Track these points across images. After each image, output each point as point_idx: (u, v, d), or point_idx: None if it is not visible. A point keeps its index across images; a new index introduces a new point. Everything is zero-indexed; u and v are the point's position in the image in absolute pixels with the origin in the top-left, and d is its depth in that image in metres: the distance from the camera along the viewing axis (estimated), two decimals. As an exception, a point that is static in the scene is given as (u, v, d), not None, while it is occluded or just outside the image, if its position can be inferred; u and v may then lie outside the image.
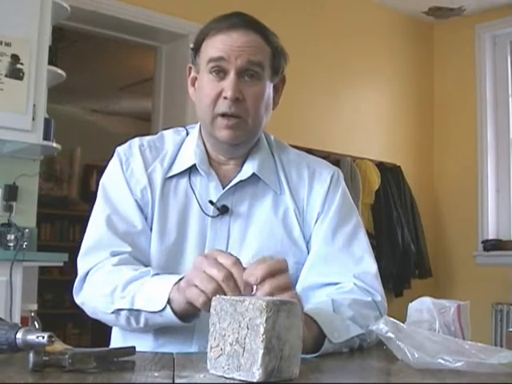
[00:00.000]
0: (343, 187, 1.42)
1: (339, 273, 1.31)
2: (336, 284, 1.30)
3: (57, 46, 3.70)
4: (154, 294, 1.15)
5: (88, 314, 1.31)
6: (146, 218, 1.32)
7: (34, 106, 3.26)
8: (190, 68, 1.38)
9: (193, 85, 1.38)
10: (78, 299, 1.30)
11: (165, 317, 1.14)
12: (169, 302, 1.12)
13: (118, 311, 1.20)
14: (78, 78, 5.68)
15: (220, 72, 1.28)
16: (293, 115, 4.56)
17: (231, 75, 1.27)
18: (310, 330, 1.10)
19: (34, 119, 3.25)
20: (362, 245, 1.37)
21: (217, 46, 1.28)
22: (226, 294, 0.98)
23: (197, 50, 1.34)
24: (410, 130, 5.34)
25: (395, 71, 5.28)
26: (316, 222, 1.36)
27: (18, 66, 3.24)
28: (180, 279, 1.12)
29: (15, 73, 3.23)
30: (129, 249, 1.28)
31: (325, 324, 1.14)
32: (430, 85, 5.51)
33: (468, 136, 5.22)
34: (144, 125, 6.34)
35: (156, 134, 1.44)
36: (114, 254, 1.27)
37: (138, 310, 1.17)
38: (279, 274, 1.01)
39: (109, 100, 7.62)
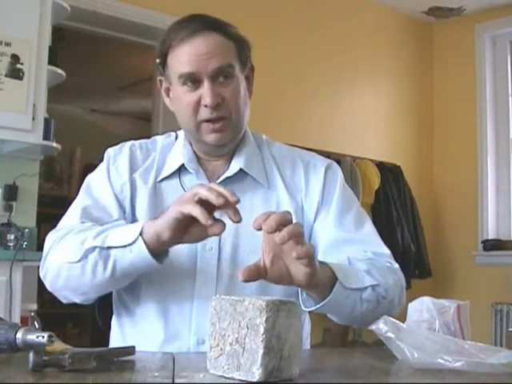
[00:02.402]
0: (341, 178, 1.44)
1: (353, 253, 1.32)
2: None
3: (57, 46, 3.70)
4: (126, 230, 1.17)
5: (48, 285, 1.28)
6: (124, 212, 1.34)
7: (34, 105, 3.26)
8: (161, 80, 1.40)
9: (167, 95, 1.40)
10: (42, 271, 1.28)
11: (135, 252, 1.14)
12: (141, 234, 1.13)
13: (85, 256, 1.19)
14: (78, 78, 5.67)
15: (193, 82, 1.30)
16: (293, 115, 4.56)
17: (206, 83, 1.29)
18: (324, 272, 1.13)
19: (33, 119, 3.25)
20: (371, 228, 1.40)
21: (183, 59, 1.29)
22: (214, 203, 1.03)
23: (163, 62, 1.35)
24: (410, 130, 5.34)
25: (395, 71, 5.28)
26: (317, 211, 1.38)
27: (18, 65, 3.24)
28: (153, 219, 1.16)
29: (15, 73, 3.23)
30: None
31: (338, 271, 1.17)
32: (430, 84, 5.51)
33: (468, 136, 5.22)
34: (144, 125, 6.34)
35: (153, 136, 1.49)
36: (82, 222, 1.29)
37: (109, 248, 1.17)
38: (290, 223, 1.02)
39: (109, 100, 7.62)
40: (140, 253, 1.14)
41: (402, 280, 1.34)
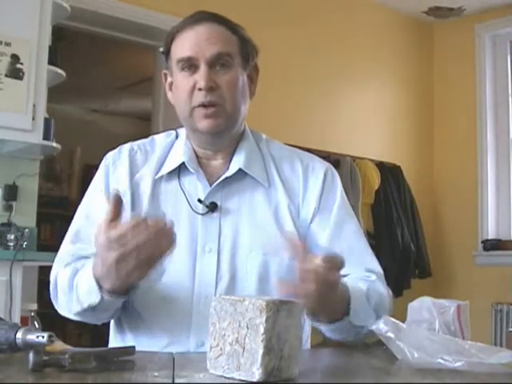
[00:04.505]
0: (341, 186, 1.43)
1: (353, 265, 1.30)
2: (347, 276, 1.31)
3: (57, 46, 3.69)
4: (88, 288, 1.18)
5: (66, 316, 1.33)
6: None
7: (34, 105, 3.25)
8: (166, 74, 1.41)
9: (170, 89, 1.41)
10: (55, 303, 1.33)
11: (108, 302, 1.17)
12: (101, 288, 1.15)
13: (78, 314, 1.25)
14: (78, 77, 5.67)
15: (191, 67, 1.31)
16: (293, 115, 4.56)
17: (202, 67, 1.30)
18: (341, 301, 1.16)
19: (33, 119, 3.25)
20: (366, 244, 1.41)
21: (184, 44, 1.31)
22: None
23: (167, 52, 1.36)
24: (410, 130, 5.34)
25: (395, 71, 5.28)
26: (313, 217, 1.37)
27: (18, 65, 3.24)
28: None
29: (15, 73, 3.23)
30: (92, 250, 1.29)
31: (353, 304, 1.19)
32: (430, 84, 5.51)
33: (468, 136, 5.22)
34: (144, 125, 6.34)
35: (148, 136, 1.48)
36: (66, 265, 1.31)
37: (89, 306, 1.20)
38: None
39: (109, 100, 7.62)
40: (113, 302, 1.18)
41: (392, 304, 1.36)
